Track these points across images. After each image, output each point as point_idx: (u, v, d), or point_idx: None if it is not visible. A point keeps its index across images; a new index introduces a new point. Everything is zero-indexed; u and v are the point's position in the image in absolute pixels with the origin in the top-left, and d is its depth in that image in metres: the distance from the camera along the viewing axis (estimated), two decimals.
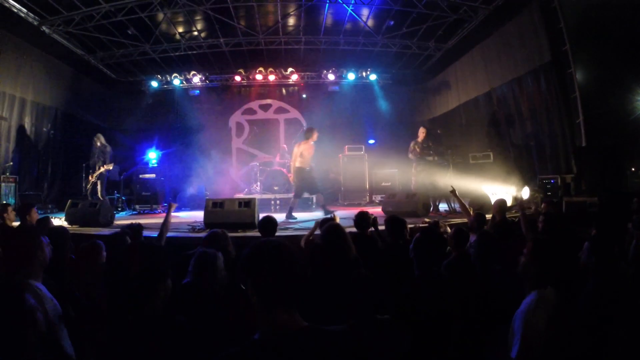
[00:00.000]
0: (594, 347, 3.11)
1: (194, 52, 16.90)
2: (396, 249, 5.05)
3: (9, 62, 12.71)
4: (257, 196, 12.73)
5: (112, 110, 18.72)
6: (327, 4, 13.91)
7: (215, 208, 9.44)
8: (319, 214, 11.57)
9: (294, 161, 11.56)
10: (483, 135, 15.14)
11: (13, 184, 12.33)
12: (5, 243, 3.34)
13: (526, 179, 12.27)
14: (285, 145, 16.07)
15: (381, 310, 3.24)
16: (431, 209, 11.43)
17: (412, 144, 12.32)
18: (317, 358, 1.81)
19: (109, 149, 13.02)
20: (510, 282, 3.77)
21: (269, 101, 19.69)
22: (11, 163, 12.74)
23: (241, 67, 18.36)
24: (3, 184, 11.93)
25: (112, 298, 3.51)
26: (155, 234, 6.61)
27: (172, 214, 6.82)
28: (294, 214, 11.20)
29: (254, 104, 19.68)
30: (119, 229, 6.18)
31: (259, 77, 18.30)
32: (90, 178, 12.44)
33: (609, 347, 3.13)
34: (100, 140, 12.98)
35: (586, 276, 3.72)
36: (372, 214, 6.39)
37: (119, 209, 14.36)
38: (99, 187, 12.43)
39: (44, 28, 13.26)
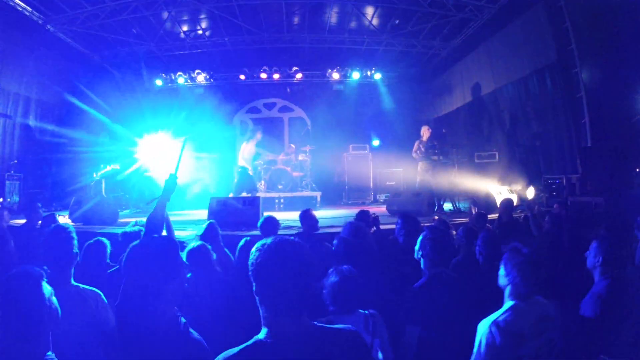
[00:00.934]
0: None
1: (199, 50, 16.91)
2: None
3: (13, 61, 12.73)
4: (261, 195, 12.72)
5: (117, 109, 18.71)
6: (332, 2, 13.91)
7: (219, 206, 9.43)
8: (323, 213, 11.58)
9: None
10: (488, 135, 15.09)
11: (17, 182, 12.35)
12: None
13: (531, 179, 12.21)
14: (293, 145, 16.05)
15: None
16: (435, 208, 11.39)
17: (416, 143, 12.29)
18: (322, 357, 1.79)
19: (112, 146, 13.02)
20: None
21: (273, 100, 19.66)
22: (15, 161, 12.76)
23: (246, 65, 18.34)
24: (7, 182, 11.96)
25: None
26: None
27: (176, 212, 6.82)
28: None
29: (259, 103, 19.67)
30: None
31: (263, 75, 18.29)
32: (94, 175, 12.42)
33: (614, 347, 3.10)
34: (105, 138, 12.98)
35: (592, 278, 3.69)
36: (373, 212, 6.37)
37: (123, 207, 14.35)
38: (103, 185, 12.42)
39: (48, 26, 13.30)
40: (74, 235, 3.44)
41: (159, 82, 18.27)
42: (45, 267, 3.23)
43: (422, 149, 12.06)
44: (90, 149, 13.53)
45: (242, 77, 18.49)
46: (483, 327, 2.95)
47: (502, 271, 3.18)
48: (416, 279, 3.88)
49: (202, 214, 10.28)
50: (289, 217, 10.68)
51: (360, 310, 3.19)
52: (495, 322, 2.92)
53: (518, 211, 9.58)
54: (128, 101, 18.74)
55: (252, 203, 9.45)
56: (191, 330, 2.34)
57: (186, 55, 17.09)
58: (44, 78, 14.19)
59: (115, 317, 3.07)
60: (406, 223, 5.36)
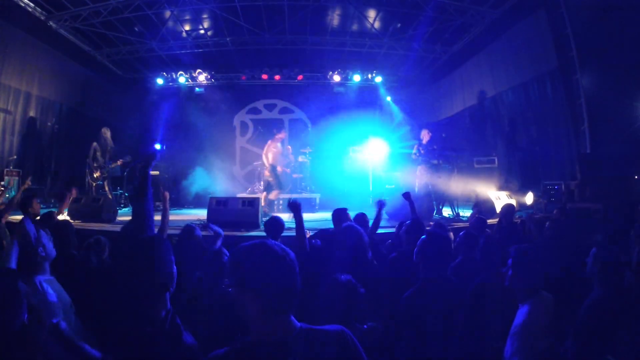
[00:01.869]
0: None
1: (200, 50, 16.92)
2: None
3: (15, 56, 12.71)
4: (260, 196, 12.72)
5: (117, 107, 18.70)
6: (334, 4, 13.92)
7: (218, 206, 9.43)
8: (321, 215, 11.61)
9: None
10: (488, 140, 15.11)
11: (16, 178, 12.34)
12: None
13: (530, 184, 12.23)
14: (290, 147, 16.05)
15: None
16: (434, 212, 11.39)
17: (415, 147, 12.29)
18: (309, 358, 1.80)
19: (112, 143, 12.99)
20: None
21: (274, 101, 19.68)
22: (15, 157, 12.75)
23: (247, 66, 18.36)
24: (6, 177, 11.95)
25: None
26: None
27: (174, 211, 6.81)
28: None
29: (259, 104, 19.69)
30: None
31: (264, 76, 18.30)
32: (96, 174, 12.39)
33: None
34: (107, 135, 12.93)
35: (590, 283, 3.70)
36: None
37: (122, 205, 14.34)
38: (105, 182, 12.41)
39: (51, 23, 13.30)
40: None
41: (160, 81, 18.27)
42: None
43: (422, 153, 12.07)
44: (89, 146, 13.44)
45: (243, 77, 18.50)
46: (514, 333, 3.01)
47: (509, 272, 3.25)
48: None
49: (202, 213, 10.27)
50: (287, 219, 10.68)
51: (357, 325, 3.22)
52: (520, 322, 3.01)
53: (517, 217, 9.59)
54: (128, 99, 18.76)
55: (252, 204, 9.45)
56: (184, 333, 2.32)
57: (188, 54, 17.09)
58: (45, 74, 14.17)
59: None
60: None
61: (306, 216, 11.45)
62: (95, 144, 12.61)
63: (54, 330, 2.49)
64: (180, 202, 15.22)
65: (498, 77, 14.51)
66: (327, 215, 6.84)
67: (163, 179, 15.06)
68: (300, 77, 18.47)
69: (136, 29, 14.86)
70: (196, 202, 14.83)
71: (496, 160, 13.44)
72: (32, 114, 13.83)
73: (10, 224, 6.77)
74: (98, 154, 12.57)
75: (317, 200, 14.10)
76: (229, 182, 17.02)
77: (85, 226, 9.04)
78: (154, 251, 2.35)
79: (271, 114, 19.68)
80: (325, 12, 14.73)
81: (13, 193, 11.98)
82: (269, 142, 12.54)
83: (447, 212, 11.79)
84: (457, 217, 11.04)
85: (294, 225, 5.41)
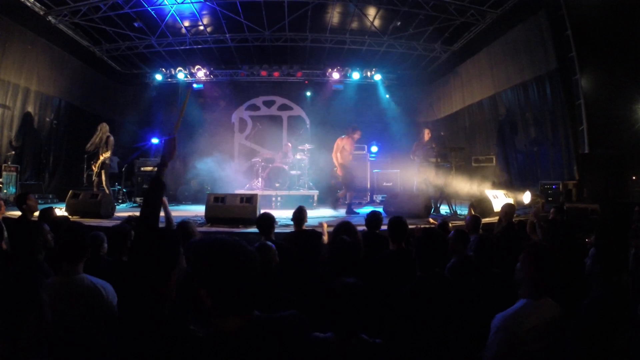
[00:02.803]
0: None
1: (199, 46, 16.90)
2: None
3: (14, 52, 12.67)
4: (258, 192, 12.73)
5: (116, 102, 18.69)
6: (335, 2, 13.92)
7: (216, 203, 9.43)
8: (320, 212, 11.62)
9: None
10: (486, 139, 15.15)
11: (14, 173, 12.32)
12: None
13: (528, 184, 12.26)
14: (289, 144, 16.04)
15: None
16: (432, 210, 11.42)
17: (415, 145, 12.32)
18: (265, 346, 1.81)
19: (112, 139, 12.94)
20: (509, 286, 3.77)
21: (272, 98, 19.67)
22: (13, 152, 12.73)
23: (246, 62, 18.35)
24: (4, 173, 11.93)
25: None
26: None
27: (173, 208, 6.80)
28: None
29: (258, 100, 19.69)
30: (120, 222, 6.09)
31: (263, 73, 18.29)
32: (93, 168, 12.36)
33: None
34: (104, 130, 12.89)
35: (590, 284, 3.71)
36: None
37: (120, 201, 14.35)
38: (103, 177, 12.39)
39: (50, 18, 13.27)
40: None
41: (158, 77, 18.25)
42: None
43: (421, 151, 12.10)
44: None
45: (242, 74, 18.48)
46: (496, 321, 2.98)
47: (519, 265, 3.22)
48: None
49: (200, 209, 10.28)
50: (285, 215, 10.70)
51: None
52: (508, 317, 2.96)
53: (515, 215, 9.61)
54: (127, 95, 18.75)
55: (250, 200, 9.45)
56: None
57: (187, 50, 17.07)
58: (44, 70, 14.14)
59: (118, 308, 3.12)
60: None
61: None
62: (111, 138, 12.53)
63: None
64: (178, 198, 15.22)
65: (498, 76, 14.53)
66: (325, 212, 6.83)
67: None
68: (299, 74, 18.46)
69: (135, 24, 14.83)
70: (194, 198, 14.83)
71: (494, 159, 13.48)
72: (30, 109, 13.78)
73: (7, 220, 6.74)
74: (102, 150, 12.54)
75: (315, 198, 14.10)
76: (228, 178, 17.03)
77: (84, 222, 9.03)
78: (174, 243, 2.37)
79: (270, 111, 19.68)
80: (326, 9, 14.72)
81: (12, 189, 11.98)
82: (344, 138, 12.29)
83: (444, 210, 11.82)
84: (454, 216, 11.07)
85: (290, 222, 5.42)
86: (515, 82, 13.66)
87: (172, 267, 2.29)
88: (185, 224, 5.10)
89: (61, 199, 12.81)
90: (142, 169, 15.23)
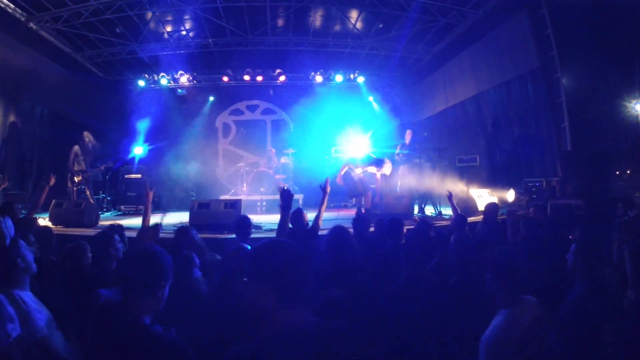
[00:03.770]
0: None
1: (182, 51, 16.82)
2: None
3: None
4: (243, 197, 12.68)
5: (99, 109, 18.51)
6: (316, 5, 13.91)
7: (201, 209, 9.40)
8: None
9: None
10: (470, 138, 15.22)
11: None
12: None
13: (512, 182, 12.34)
14: (273, 149, 16.00)
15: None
16: (417, 211, 11.46)
17: (398, 146, 12.35)
18: (326, 352, 1.88)
19: (94, 146, 12.84)
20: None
21: (256, 102, 19.63)
22: None
23: (229, 67, 18.27)
24: None
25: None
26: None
27: (156, 214, 6.75)
28: None
29: (241, 105, 19.63)
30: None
31: (246, 77, 18.24)
32: (76, 178, 12.25)
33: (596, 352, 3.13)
34: (89, 139, 12.79)
35: (572, 280, 3.73)
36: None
37: (104, 210, 14.21)
38: (86, 186, 12.28)
39: (31, 24, 13.14)
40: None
41: (141, 83, 18.12)
42: None
43: (405, 152, 12.13)
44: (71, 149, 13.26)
45: (225, 78, 18.40)
46: (484, 343, 2.93)
47: (489, 276, 3.14)
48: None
49: (183, 216, 10.21)
50: (270, 220, 10.66)
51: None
52: (494, 335, 2.92)
53: (500, 214, 9.66)
54: (110, 102, 18.59)
55: (234, 206, 9.42)
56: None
57: (169, 55, 16.97)
58: (26, 77, 13.96)
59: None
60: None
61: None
62: (76, 147, 12.48)
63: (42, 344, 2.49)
64: (162, 205, 15.10)
65: (480, 76, 14.61)
66: (310, 216, 6.82)
67: (145, 182, 14.93)
68: (282, 78, 18.42)
69: (118, 30, 14.74)
70: (179, 205, 14.73)
71: (478, 158, 13.55)
72: (12, 117, 13.61)
73: None
74: (80, 158, 12.45)
75: (301, 201, 14.08)
76: (212, 184, 16.96)
77: (67, 231, 8.95)
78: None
79: (253, 115, 19.63)
80: (308, 12, 14.72)
81: None
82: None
83: (429, 210, 11.85)
84: (439, 216, 11.11)
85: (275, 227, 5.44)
86: (498, 82, 13.75)
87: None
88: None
89: (44, 208, 12.66)
90: (126, 176, 15.10)
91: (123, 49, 16.27)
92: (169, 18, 14.86)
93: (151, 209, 5.68)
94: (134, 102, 18.29)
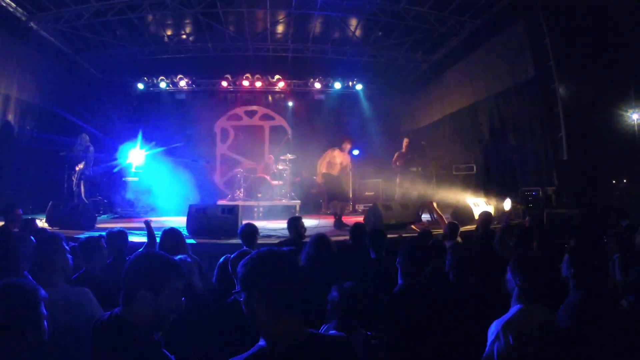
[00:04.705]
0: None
1: (182, 55, 16.86)
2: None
3: None
4: (240, 203, 12.68)
5: (97, 111, 18.48)
6: (317, 13, 13.96)
7: (198, 214, 9.36)
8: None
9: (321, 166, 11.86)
10: (467, 147, 15.26)
11: None
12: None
13: (508, 191, 12.38)
14: (271, 156, 16.01)
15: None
16: (414, 219, 11.46)
17: (396, 155, 12.38)
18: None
19: (91, 149, 12.83)
20: (483, 295, 3.81)
21: (254, 108, 19.62)
22: None
23: (228, 72, 18.29)
24: None
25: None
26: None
27: (153, 218, 6.76)
28: None
29: (240, 110, 19.61)
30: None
31: (245, 83, 18.27)
32: (73, 179, 12.25)
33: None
34: (85, 140, 12.79)
35: (566, 288, 3.76)
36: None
37: (101, 212, 14.18)
38: (82, 188, 12.26)
39: (32, 24, 13.14)
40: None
41: (140, 86, 18.13)
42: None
43: (402, 160, 12.16)
44: (68, 151, 13.23)
45: (224, 83, 18.42)
46: (493, 328, 3.06)
47: (509, 275, 3.33)
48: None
49: (181, 221, 10.19)
50: (267, 226, 10.67)
51: (362, 330, 3.26)
52: (505, 322, 3.04)
53: (495, 223, 9.69)
54: (109, 104, 18.56)
55: (231, 211, 9.41)
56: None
57: (169, 59, 17.00)
58: (25, 76, 13.94)
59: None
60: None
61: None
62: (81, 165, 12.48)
63: None
64: (158, 209, 15.06)
65: (477, 85, 14.69)
66: (307, 223, 6.83)
67: (142, 185, 14.91)
68: (281, 83, 18.46)
69: (118, 32, 14.77)
70: (176, 210, 14.69)
71: (474, 167, 13.59)
72: (10, 116, 13.56)
73: None
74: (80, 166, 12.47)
75: (297, 208, 14.09)
76: (209, 189, 16.93)
77: (64, 233, 8.93)
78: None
79: (252, 121, 19.62)
80: (308, 19, 14.79)
81: None
82: (335, 149, 11.96)
83: (426, 219, 11.86)
84: (436, 224, 11.11)
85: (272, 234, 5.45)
86: (494, 91, 13.82)
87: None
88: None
89: (41, 210, 12.63)
90: (123, 179, 15.07)
91: (123, 51, 16.30)
92: (169, 22, 14.90)
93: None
94: (132, 105, 18.31)
